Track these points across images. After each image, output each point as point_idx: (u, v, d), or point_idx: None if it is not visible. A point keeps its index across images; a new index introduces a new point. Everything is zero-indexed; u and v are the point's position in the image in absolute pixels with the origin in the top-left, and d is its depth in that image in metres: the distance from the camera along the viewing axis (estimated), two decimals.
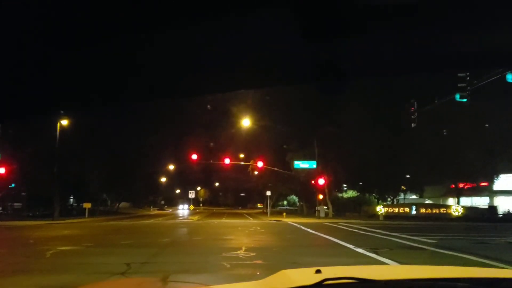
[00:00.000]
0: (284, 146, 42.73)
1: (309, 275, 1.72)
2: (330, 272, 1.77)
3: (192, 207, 56.12)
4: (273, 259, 10.49)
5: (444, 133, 34.87)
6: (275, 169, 42.26)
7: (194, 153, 38.61)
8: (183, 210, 77.89)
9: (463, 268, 2.16)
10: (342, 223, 28.17)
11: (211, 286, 1.83)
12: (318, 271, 1.73)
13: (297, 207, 63.43)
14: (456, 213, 34.68)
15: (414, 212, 37.37)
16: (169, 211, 71.16)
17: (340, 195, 50.05)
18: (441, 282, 1.65)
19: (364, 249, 12.10)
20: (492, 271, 1.95)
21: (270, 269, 8.82)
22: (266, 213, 46.83)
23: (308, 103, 37.94)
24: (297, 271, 2.02)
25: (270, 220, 34.67)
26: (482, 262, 9.95)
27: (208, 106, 37.01)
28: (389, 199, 45.09)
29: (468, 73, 16.64)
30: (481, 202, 43.54)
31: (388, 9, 2.43)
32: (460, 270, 2.12)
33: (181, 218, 41.29)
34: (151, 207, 75.06)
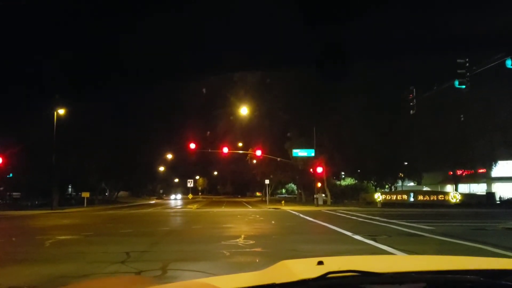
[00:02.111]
0: (288, 134, 42.55)
1: (311, 266, 1.67)
2: (333, 263, 1.73)
3: (191, 196, 56.28)
4: (272, 247, 10.52)
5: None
6: (274, 157, 42.28)
7: (192, 142, 38.55)
8: (176, 200, 66.52)
9: (471, 258, 2.10)
10: (341, 211, 28.29)
11: (212, 277, 1.79)
12: (320, 263, 1.69)
13: (295, 195, 63.68)
14: (454, 200, 34.84)
15: (412, 199, 37.54)
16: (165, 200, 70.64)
17: (338, 182, 50.21)
18: (448, 274, 1.60)
19: (362, 236, 12.15)
20: (502, 262, 1.89)
21: (269, 256, 8.85)
22: (265, 201, 46.99)
23: (307, 91, 37.83)
24: (298, 262, 1.98)
25: (269, 208, 34.79)
26: (480, 248, 10.00)
27: (203, 89, 36.82)
28: (387, 186, 45.24)
29: (467, 59, 16.54)
30: (479, 188, 43.75)
31: None
32: (468, 260, 2.06)
33: (180, 207, 41.40)
34: (150, 196, 75.09)
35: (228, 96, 37.44)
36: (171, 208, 38.12)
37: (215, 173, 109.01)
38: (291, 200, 55.20)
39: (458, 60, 16.46)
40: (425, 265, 1.87)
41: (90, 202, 40.39)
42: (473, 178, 41.64)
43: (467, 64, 16.55)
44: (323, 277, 1.41)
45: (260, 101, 39.35)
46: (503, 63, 15.10)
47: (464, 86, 17.11)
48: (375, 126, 35.87)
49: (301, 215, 23.67)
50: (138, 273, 7.05)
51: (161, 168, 72.35)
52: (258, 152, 40.78)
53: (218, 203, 49.04)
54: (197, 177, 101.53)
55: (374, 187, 45.32)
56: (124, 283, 2.43)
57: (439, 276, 1.59)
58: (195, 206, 40.65)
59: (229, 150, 41.52)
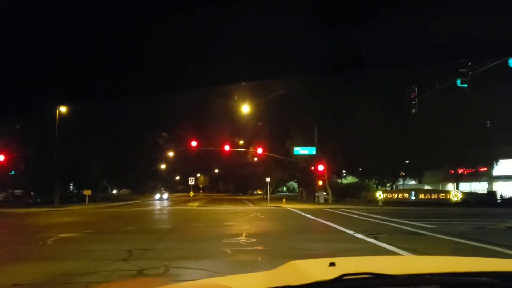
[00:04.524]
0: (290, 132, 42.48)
1: (323, 268, 1.67)
2: (345, 264, 1.72)
3: (192, 193, 56.17)
4: (274, 245, 10.54)
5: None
6: (275, 155, 42.28)
7: (193, 140, 38.58)
8: (162, 201, 53.54)
9: (483, 259, 2.10)
10: (342, 209, 28.30)
11: (223, 277, 1.79)
12: (332, 264, 1.69)
13: (296, 193, 63.69)
14: (455, 199, 34.82)
15: (413, 197, 37.52)
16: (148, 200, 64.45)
17: (339, 181, 50.19)
18: (462, 276, 1.60)
19: (364, 235, 12.16)
20: None
21: (271, 255, 8.88)
22: (266, 199, 47.02)
23: (309, 89, 37.76)
24: (308, 263, 1.97)
25: (270, 206, 34.82)
26: (481, 247, 10.01)
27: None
28: (388, 184, 45.22)
29: (469, 59, 16.49)
30: (480, 187, 43.68)
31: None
32: (480, 261, 2.05)
33: (181, 204, 41.45)
34: (152, 194, 74.91)
35: (232, 95, 37.35)
36: (173, 206, 38.16)
37: (216, 170, 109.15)
38: (292, 198, 55.21)
39: (460, 60, 16.43)
40: (438, 267, 1.86)
41: (92, 199, 40.45)
42: (474, 177, 41.59)
43: (469, 63, 16.51)
44: (338, 279, 1.42)
45: (262, 100, 39.30)
46: (505, 62, 15.07)
47: (466, 85, 17.06)
48: (377, 124, 35.82)
49: (302, 213, 23.68)
50: (141, 271, 7.08)
51: (163, 166, 72.35)
52: (259, 150, 40.79)
53: (219, 201, 49.09)
54: (198, 175, 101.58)
55: (375, 186, 45.31)
56: (139, 285, 2.44)
57: (452, 278, 1.59)
58: (196, 204, 40.69)
59: (230, 148, 41.55)
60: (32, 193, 40.57)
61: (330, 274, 1.44)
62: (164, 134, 57.94)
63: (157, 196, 61.21)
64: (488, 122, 34.34)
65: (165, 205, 39.19)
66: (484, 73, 17.07)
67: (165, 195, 60.42)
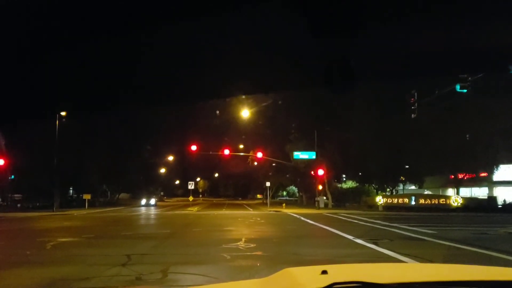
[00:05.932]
0: (290, 137, 42.53)
1: (315, 276, 1.67)
2: (337, 272, 1.72)
3: (191, 198, 56.07)
4: (273, 251, 10.50)
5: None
6: (275, 159, 42.26)
7: (193, 144, 38.57)
8: (148, 207, 45.85)
9: (477, 267, 2.08)
10: (342, 214, 28.24)
11: (216, 284, 1.79)
12: (324, 272, 1.69)
13: (296, 197, 63.61)
14: (455, 204, 34.74)
15: (413, 202, 37.42)
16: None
17: (339, 185, 50.12)
18: (454, 285, 1.58)
19: (363, 240, 12.11)
20: (510, 272, 1.88)
21: (270, 260, 8.84)
22: (265, 204, 46.94)
23: (309, 94, 37.82)
24: (301, 270, 1.98)
25: (270, 211, 34.75)
26: (483, 253, 9.97)
27: (217, 112, 36.75)
28: (388, 189, 45.16)
29: (469, 66, 16.53)
30: (481, 192, 43.61)
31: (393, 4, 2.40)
32: (474, 269, 2.04)
33: (180, 209, 41.37)
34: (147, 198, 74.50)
35: (231, 100, 37.41)
36: (172, 211, 38.08)
37: (216, 175, 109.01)
38: (292, 202, 55.12)
39: (460, 76, 16.48)
40: (430, 275, 1.85)
41: (91, 204, 40.37)
42: (475, 182, 41.53)
43: (469, 78, 16.54)
44: None
45: (262, 105, 39.36)
46: (505, 69, 15.10)
47: (465, 91, 17.12)
48: (377, 129, 35.84)
49: (302, 218, 23.63)
50: (139, 276, 7.04)
51: (162, 170, 72.27)
52: (259, 154, 40.79)
53: (219, 206, 49.00)
54: (198, 179, 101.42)
55: (375, 190, 45.23)
56: None
57: (443, 287, 1.57)
58: (195, 208, 40.60)
59: (230, 152, 41.55)
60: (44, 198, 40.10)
61: (321, 282, 1.45)
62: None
63: (143, 201, 50.72)
64: (488, 127, 34.31)
65: (160, 211, 39.08)
66: (484, 79, 17.12)
67: (152, 201, 51.65)
